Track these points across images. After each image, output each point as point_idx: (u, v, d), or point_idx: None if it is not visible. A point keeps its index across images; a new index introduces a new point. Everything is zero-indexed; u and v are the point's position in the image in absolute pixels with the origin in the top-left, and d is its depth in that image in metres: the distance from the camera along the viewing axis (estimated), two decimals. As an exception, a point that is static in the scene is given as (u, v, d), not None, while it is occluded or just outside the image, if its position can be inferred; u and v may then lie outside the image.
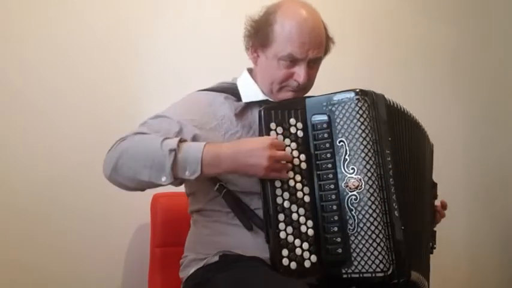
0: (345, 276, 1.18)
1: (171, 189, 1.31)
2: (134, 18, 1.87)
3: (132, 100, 1.83)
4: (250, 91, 1.37)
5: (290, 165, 1.21)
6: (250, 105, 1.35)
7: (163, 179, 1.16)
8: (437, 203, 1.50)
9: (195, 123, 1.28)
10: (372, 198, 1.19)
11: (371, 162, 1.20)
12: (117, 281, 1.79)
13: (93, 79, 1.79)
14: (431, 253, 1.41)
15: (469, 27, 2.49)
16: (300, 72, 1.29)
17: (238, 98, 1.36)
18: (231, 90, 1.37)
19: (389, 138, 1.26)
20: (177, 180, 1.19)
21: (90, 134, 1.75)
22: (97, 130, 1.75)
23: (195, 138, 1.26)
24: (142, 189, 1.25)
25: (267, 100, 1.35)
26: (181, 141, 1.19)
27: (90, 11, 1.81)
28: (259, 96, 1.36)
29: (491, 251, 2.44)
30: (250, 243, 1.26)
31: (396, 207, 1.22)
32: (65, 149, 1.74)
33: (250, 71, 1.42)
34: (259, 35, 1.31)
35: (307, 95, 1.35)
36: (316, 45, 1.29)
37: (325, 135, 1.24)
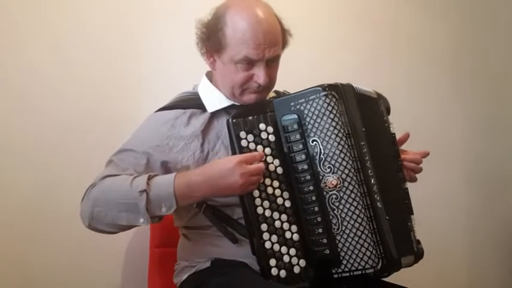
0: (335, 276, 1.17)
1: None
2: (133, 18, 1.84)
3: (132, 101, 1.81)
4: (214, 99, 1.32)
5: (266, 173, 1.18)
6: (215, 113, 1.31)
7: (141, 220, 1.15)
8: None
9: (161, 149, 1.25)
10: (353, 195, 1.17)
11: (347, 158, 1.18)
12: (117, 281, 1.79)
13: (93, 79, 1.77)
14: (412, 214, 1.36)
15: (470, 26, 2.44)
16: (259, 74, 1.24)
17: (203, 108, 1.31)
18: (193, 102, 1.32)
19: (363, 129, 1.23)
20: (155, 218, 1.18)
21: (91, 135, 1.74)
22: (98, 131, 1.74)
23: (164, 165, 1.24)
24: (126, 229, 1.23)
25: (232, 105, 1.31)
26: (150, 178, 1.16)
27: (89, 11, 1.79)
28: (223, 102, 1.31)
29: (491, 251, 2.43)
30: (239, 253, 1.25)
31: (378, 198, 1.20)
32: (65, 149, 1.73)
33: (209, 74, 1.37)
34: (211, 39, 1.26)
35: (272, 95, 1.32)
36: (272, 44, 1.23)
37: (298, 137, 1.21)
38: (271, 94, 1.39)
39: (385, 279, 1.27)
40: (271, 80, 1.28)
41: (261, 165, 1.16)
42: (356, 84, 1.28)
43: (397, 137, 1.41)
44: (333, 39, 2.14)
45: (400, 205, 1.32)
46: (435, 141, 2.24)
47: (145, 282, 1.69)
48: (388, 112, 1.40)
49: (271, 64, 1.26)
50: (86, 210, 1.19)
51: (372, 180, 1.20)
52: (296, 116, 1.21)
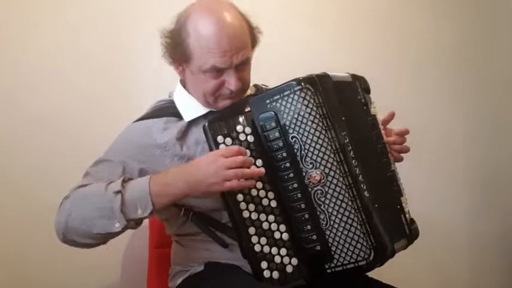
0: (329, 271, 1.17)
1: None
2: (132, 18, 1.83)
3: (131, 102, 1.77)
4: (190, 107, 1.29)
5: (246, 170, 1.12)
6: (194, 120, 1.29)
7: (117, 225, 1.10)
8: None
9: (137, 158, 1.23)
10: (337, 188, 1.15)
11: (328, 151, 1.15)
12: (116, 281, 1.81)
13: (91, 79, 1.78)
14: (402, 196, 1.34)
15: (475, 25, 2.39)
16: (230, 80, 1.20)
17: (179, 116, 1.29)
18: (169, 111, 1.29)
19: (343, 118, 1.20)
20: (131, 222, 1.13)
21: (89, 136, 1.74)
22: (96, 132, 1.73)
23: (141, 173, 1.21)
24: (99, 244, 1.19)
25: (210, 111, 1.29)
26: (125, 180, 1.14)
27: (88, 10, 1.79)
28: (200, 110, 1.29)
29: (491, 251, 2.41)
30: (231, 257, 1.24)
31: (365, 187, 1.17)
32: (64, 150, 1.73)
33: (183, 81, 1.33)
34: (176, 50, 1.22)
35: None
36: (239, 49, 1.19)
37: (276, 134, 1.18)
38: (251, 89, 1.36)
39: (383, 279, 1.28)
40: (243, 83, 1.24)
41: (239, 157, 1.11)
42: (331, 72, 1.25)
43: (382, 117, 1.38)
44: (334, 39, 2.13)
45: (389, 189, 1.29)
46: (436, 140, 2.23)
47: (145, 282, 1.69)
48: (368, 92, 1.36)
49: (242, 68, 1.23)
50: (60, 222, 1.14)
51: (357, 170, 1.17)
52: (273, 113, 1.18)
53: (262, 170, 1.16)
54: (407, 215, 1.32)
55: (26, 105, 1.71)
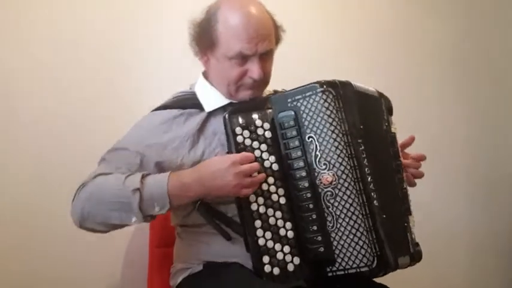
0: (330, 274, 1.16)
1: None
2: (131, 18, 1.85)
3: (130, 102, 1.81)
4: (211, 98, 1.32)
5: (261, 176, 1.17)
6: (213, 111, 1.31)
7: (133, 219, 1.15)
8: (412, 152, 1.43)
9: (155, 148, 1.24)
10: (348, 192, 1.15)
11: (342, 155, 1.17)
12: (116, 281, 1.79)
13: (90, 80, 1.78)
14: (410, 215, 1.35)
15: (477, 26, 2.45)
16: (253, 68, 1.24)
17: (200, 107, 1.31)
18: (190, 102, 1.32)
19: (361, 127, 1.22)
20: (148, 217, 1.17)
21: (89, 136, 1.74)
22: (96, 132, 1.74)
23: (158, 165, 1.23)
24: (118, 228, 1.22)
25: (230, 103, 1.31)
26: (143, 176, 1.16)
27: (87, 10, 1.80)
28: (220, 101, 1.31)
29: (491, 251, 2.41)
30: (232, 252, 1.24)
31: (375, 196, 1.18)
32: (64, 150, 1.73)
33: (206, 74, 1.36)
34: (204, 37, 1.26)
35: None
36: (265, 37, 1.23)
37: (294, 133, 1.20)
38: (269, 92, 1.38)
39: (382, 280, 1.26)
40: (265, 74, 1.27)
41: (255, 164, 1.15)
42: (355, 82, 1.28)
43: (401, 139, 1.40)
44: (334, 40, 2.15)
45: (398, 205, 1.30)
46: (436, 142, 2.22)
47: (145, 282, 1.68)
48: (391, 112, 1.39)
49: (265, 58, 1.26)
50: (76, 211, 1.17)
51: (369, 178, 1.19)
52: (293, 113, 1.20)
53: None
54: (413, 235, 1.32)
55: (22, 108, 1.71)
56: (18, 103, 1.71)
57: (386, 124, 1.34)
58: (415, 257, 1.30)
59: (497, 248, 2.41)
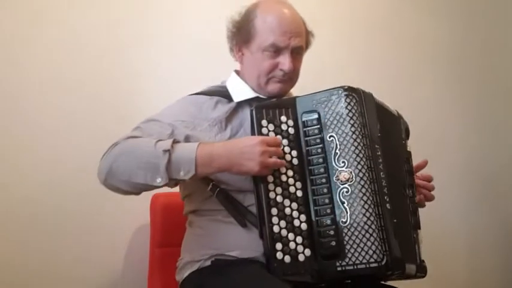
0: (339, 269, 1.18)
1: (170, 189, 1.33)
2: (130, 18, 1.90)
3: (130, 103, 1.86)
4: (240, 90, 1.40)
5: (283, 161, 1.22)
6: (241, 104, 1.39)
7: (159, 180, 1.18)
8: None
9: (186, 125, 1.31)
10: (363, 190, 1.20)
11: (361, 155, 1.22)
12: (116, 281, 1.78)
13: (91, 80, 1.82)
14: (419, 228, 1.39)
15: (473, 25, 2.52)
16: (284, 61, 1.33)
17: (229, 99, 1.39)
18: (221, 93, 1.41)
19: (379, 134, 1.28)
20: (172, 181, 1.21)
21: (89, 136, 1.77)
22: (95, 132, 1.77)
23: (187, 139, 1.29)
24: (138, 193, 1.26)
25: (257, 97, 1.39)
26: (174, 142, 1.21)
27: (87, 11, 1.84)
28: (249, 93, 1.39)
29: (491, 251, 2.42)
30: (244, 241, 1.27)
31: (388, 200, 1.23)
32: (64, 151, 1.76)
33: (237, 72, 1.46)
34: (241, 32, 1.38)
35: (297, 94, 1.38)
36: (297, 34, 1.35)
37: (316, 131, 1.26)
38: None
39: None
40: (295, 69, 1.36)
41: (280, 149, 1.22)
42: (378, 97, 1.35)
43: (415, 161, 1.45)
44: (336, 41, 2.21)
45: (409, 217, 1.34)
46: (436, 140, 2.25)
47: (145, 282, 1.69)
48: (408, 135, 1.46)
49: (296, 55, 1.36)
50: (105, 166, 1.22)
51: (383, 182, 1.24)
52: (316, 114, 1.27)
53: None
54: (420, 250, 1.35)
55: (28, 108, 1.74)
56: (28, 104, 1.74)
57: (403, 142, 1.41)
58: (421, 270, 1.33)
59: (497, 247, 2.41)
